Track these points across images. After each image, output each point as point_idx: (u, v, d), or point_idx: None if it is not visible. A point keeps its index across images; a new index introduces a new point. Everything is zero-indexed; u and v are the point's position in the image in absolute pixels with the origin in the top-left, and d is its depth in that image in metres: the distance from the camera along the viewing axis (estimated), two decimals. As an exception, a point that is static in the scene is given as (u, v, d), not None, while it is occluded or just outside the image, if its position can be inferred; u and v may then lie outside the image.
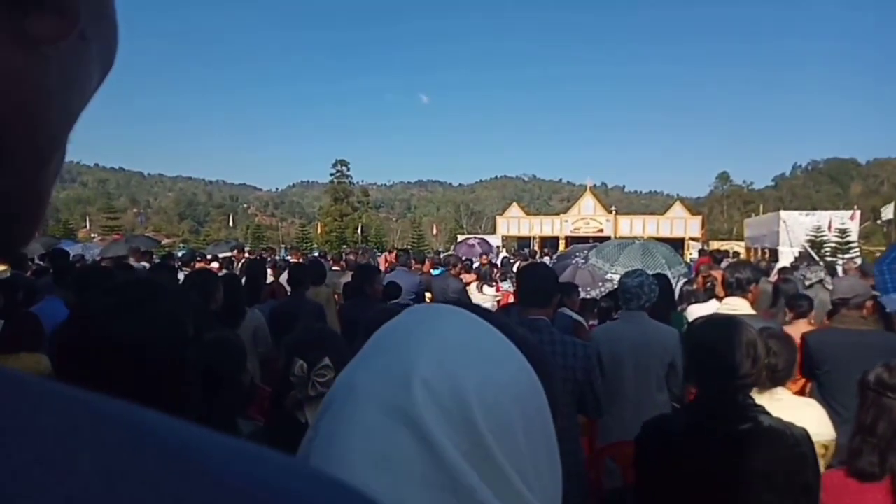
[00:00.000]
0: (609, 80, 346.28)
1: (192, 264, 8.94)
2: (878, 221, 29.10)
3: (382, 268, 8.80)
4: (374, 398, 0.46)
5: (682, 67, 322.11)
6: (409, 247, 29.77)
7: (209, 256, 12.37)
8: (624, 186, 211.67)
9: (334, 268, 8.59)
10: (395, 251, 12.05)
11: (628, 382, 3.24)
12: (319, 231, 56.62)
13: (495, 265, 10.59)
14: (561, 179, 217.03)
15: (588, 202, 35.10)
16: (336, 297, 6.26)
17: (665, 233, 30.49)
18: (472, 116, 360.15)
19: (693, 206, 53.21)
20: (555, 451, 0.51)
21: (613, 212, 34.90)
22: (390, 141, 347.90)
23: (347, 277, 6.17)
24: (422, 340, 0.49)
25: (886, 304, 4.06)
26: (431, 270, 8.92)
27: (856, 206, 29.66)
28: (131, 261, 8.71)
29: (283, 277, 6.49)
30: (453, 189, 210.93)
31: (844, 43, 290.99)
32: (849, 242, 23.61)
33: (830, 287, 4.19)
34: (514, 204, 40.59)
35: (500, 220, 37.11)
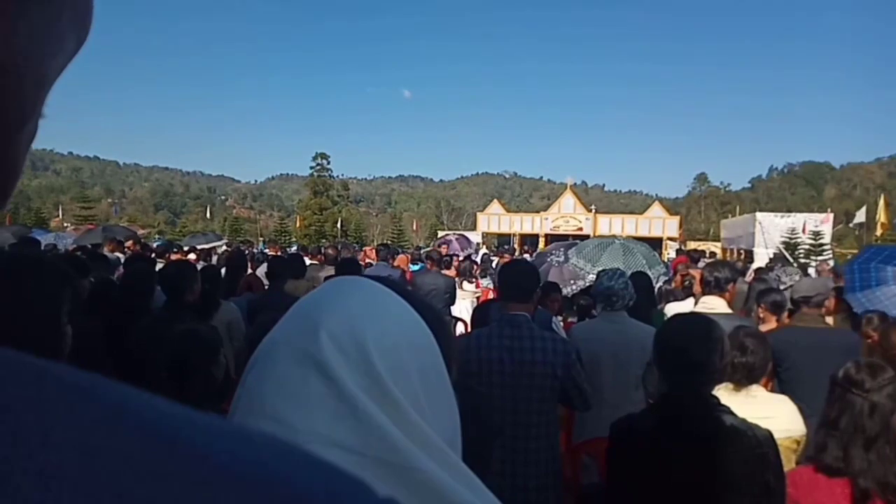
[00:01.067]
0: (591, 79, 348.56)
1: (167, 255, 8.80)
2: (851, 225, 29.75)
3: (362, 263, 8.75)
4: (289, 349, 0.54)
5: (662, 69, 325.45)
6: (388, 242, 29.68)
7: (186, 248, 12.19)
8: (604, 185, 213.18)
9: (312, 262, 8.52)
10: (374, 246, 12.00)
11: (606, 381, 3.26)
12: (298, 224, 56.10)
13: (475, 261, 10.60)
14: (542, 177, 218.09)
15: (568, 200, 35.32)
16: (315, 290, 6.22)
17: (644, 232, 30.81)
18: (454, 112, 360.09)
19: (671, 207, 53.83)
20: (449, 393, 0.59)
21: (593, 210, 35.16)
22: (371, 135, 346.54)
23: (326, 271, 6.13)
24: (331, 302, 0.58)
25: (850, 302, 4.15)
26: (409, 266, 8.90)
27: (829, 210, 30.26)
28: (105, 250, 8.55)
29: (261, 270, 6.42)
30: (434, 185, 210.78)
31: (821, 49, 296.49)
32: (822, 244, 24.09)
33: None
34: (495, 201, 40.71)
35: (480, 217, 37.18)
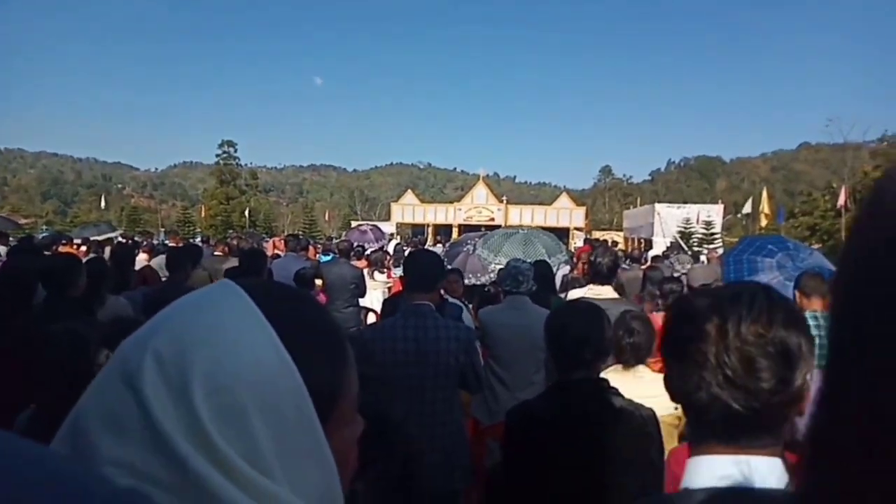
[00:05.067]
0: (502, 72, 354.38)
1: (54, 247, 8.18)
2: (739, 215, 32.04)
3: (269, 254, 8.51)
4: (119, 362, 0.48)
5: (567, 63, 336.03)
6: (300, 232, 29.03)
7: (77, 240, 11.38)
8: (515, 177, 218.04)
9: (217, 253, 8.20)
10: (283, 237, 11.68)
11: (509, 364, 3.37)
12: (203, 215, 53.71)
13: (387, 252, 10.56)
14: (455, 168, 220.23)
15: (481, 191, 35.88)
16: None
17: (552, 222, 31.81)
18: (368, 102, 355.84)
19: (578, 198, 55.78)
20: (318, 442, 0.50)
21: (504, 201, 35.92)
22: (282, 123, 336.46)
23: (230, 263, 5.91)
24: (176, 317, 0.50)
25: None
26: (320, 256, 8.75)
27: (720, 201, 32.42)
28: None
29: (156, 261, 6.11)
30: (347, 174, 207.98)
31: (713, 49, 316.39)
32: (713, 234, 25.86)
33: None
34: (409, 191, 40.71)
35: (394, 207, 37.09)
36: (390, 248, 12.87)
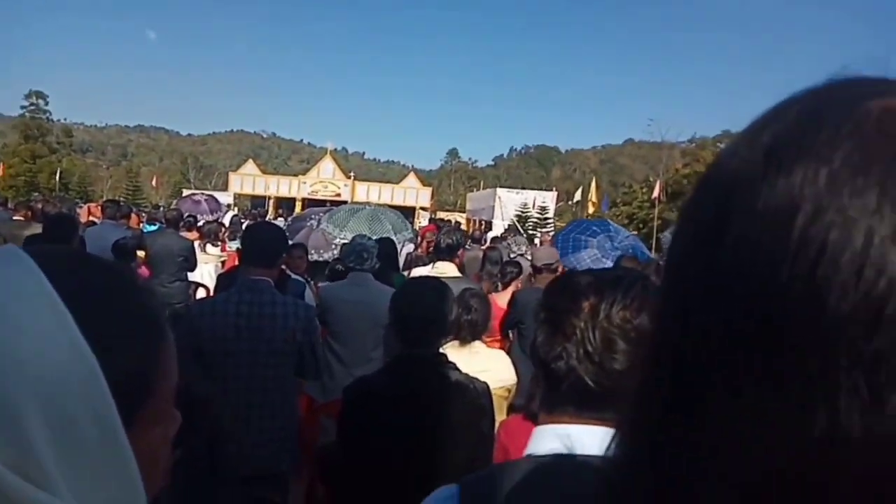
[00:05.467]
0: (353, 44, 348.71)
1: None
2: (570, 202, 34.69)
3: (84, 220, 7.63)
4: None
5: (418, 44, 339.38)
6: (121, 198, 26.45)
7: None
8: (364, 153, 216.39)
9: (17, 217, 7.19)
10: (101, 202, 10.51)
11: (347, 341, 3.36)
12: (1, 174, 46.83)
13: (222, 224, 9.97)
14: (302, 140, 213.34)
15: (328, 166, 35.09)
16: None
17: (399, 201, 32.02)
18: (208, 62, 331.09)
19: (425, 178, 56.78)
20: (114, 442, 0.42)
21: (352, 177, 35.49)
22: (106, 77, 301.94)
23: (32, 229, 5.21)
24: None
25: (564, 265, 4.91)
26: (144, 226, 8.05)
27: (554, 188, 34.82)
28: None
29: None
30: (181, 138, 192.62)
31: (555, 45, 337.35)
32: (547, 219, 27.83)
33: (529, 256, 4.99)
34: (250, 161, 38.73)
35: (233, 177, 35.03)
36: (226, 220, 12.16)
